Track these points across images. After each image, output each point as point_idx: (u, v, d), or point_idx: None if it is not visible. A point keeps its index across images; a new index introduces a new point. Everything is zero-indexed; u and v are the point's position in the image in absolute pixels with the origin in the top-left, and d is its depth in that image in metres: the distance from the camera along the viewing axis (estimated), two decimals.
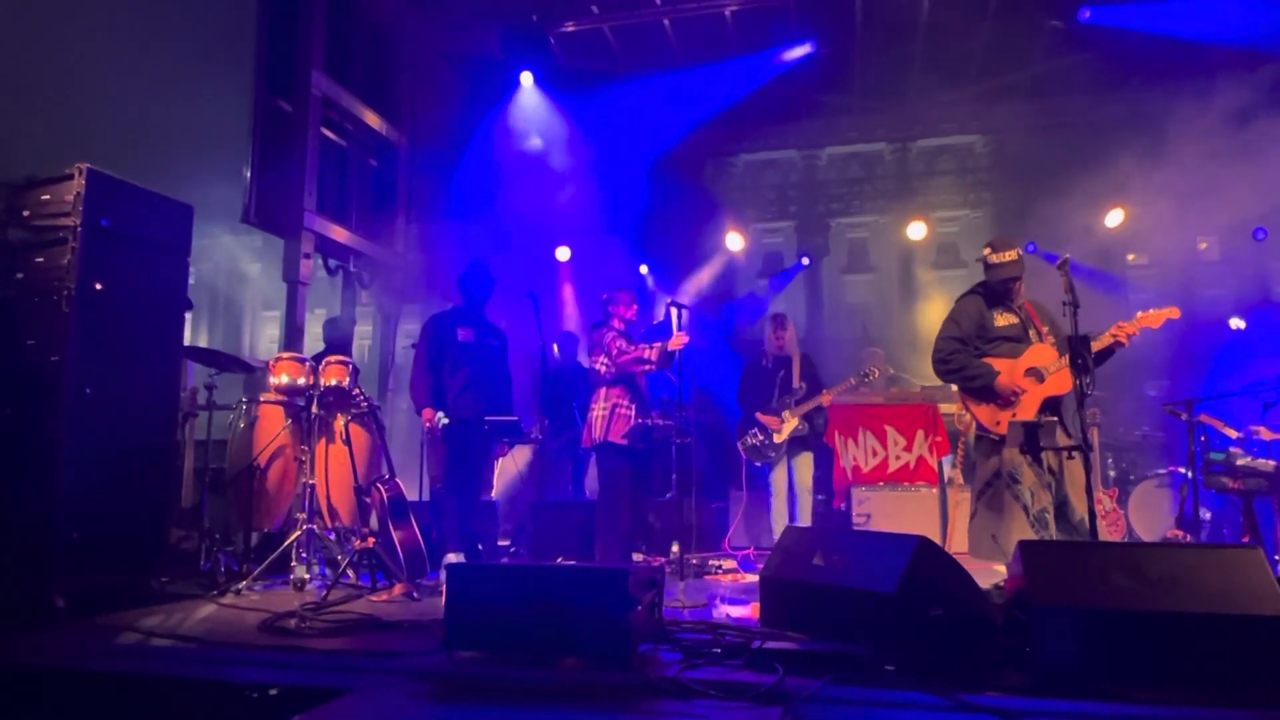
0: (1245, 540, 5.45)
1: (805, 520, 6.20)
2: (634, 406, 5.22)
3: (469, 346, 5.37)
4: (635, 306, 5.48)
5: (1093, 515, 3.64)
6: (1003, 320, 4.37)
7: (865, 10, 8.35)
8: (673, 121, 9.26)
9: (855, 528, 6.48)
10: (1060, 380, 4.16)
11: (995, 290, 4.42)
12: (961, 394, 4.48)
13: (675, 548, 5.36)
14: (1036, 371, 4.23)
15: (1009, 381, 4.25)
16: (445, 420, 5.08)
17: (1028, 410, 4.21)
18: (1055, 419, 4.12)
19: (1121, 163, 8.66)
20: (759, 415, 6.22)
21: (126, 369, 4.16)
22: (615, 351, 5.16)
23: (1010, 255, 4.34)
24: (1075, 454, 3.98)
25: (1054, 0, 8.03)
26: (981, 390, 4.33)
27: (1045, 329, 4.35)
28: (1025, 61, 9.27)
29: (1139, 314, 4.05)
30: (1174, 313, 4.04)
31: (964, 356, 4.38)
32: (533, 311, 5.12)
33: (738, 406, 6.37)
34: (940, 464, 6.75)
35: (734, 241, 10.31)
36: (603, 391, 5.23)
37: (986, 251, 4.43)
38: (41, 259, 3.99)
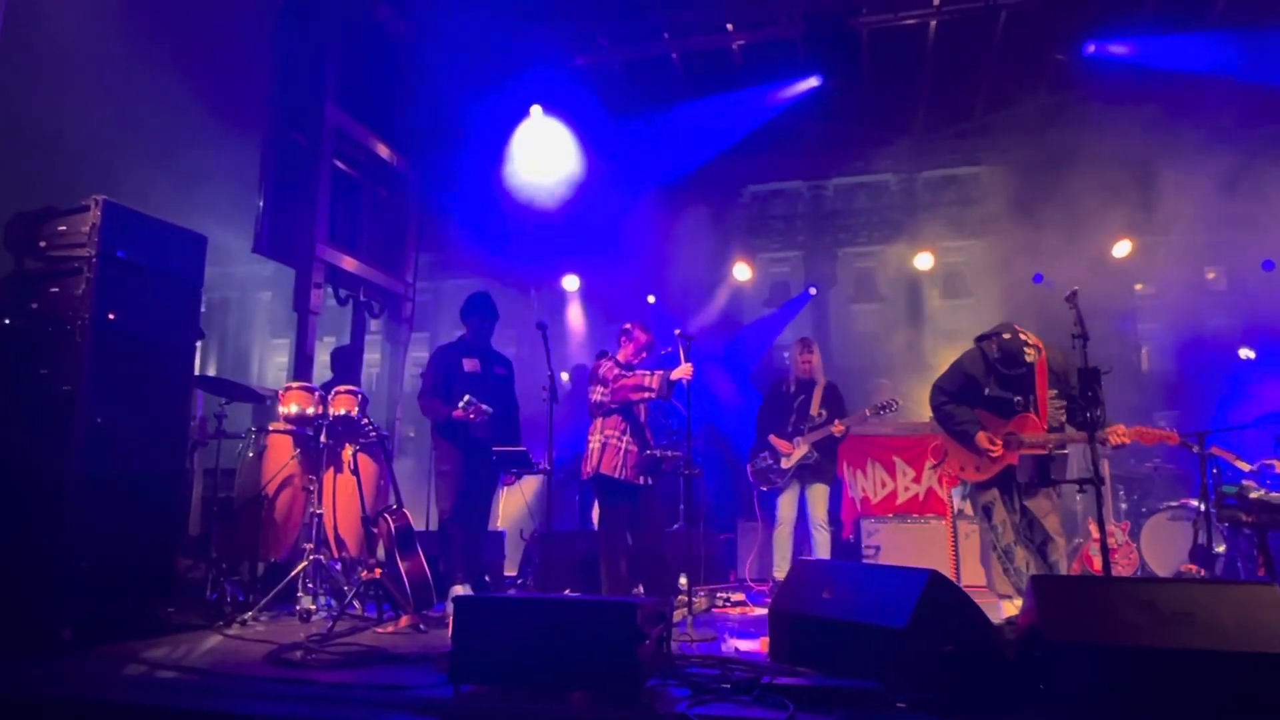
0: (1260, 574, 5.39)
1: (823, 554, 6.11)
2: (628, 439, 5.07)
3: (475, 377, 5.39)
4: (646, 342, 5.35)
5: (1105, 551, 3.62)
6: (993, 390, 4.53)
7: (871, 43, 8.44)
8: (680, 153, 9.34)
9: (864, 559, 6.43)
10: (1031, 449, 4.40)
11: (1001, 363, 4.49)
12: (944, 434, 4.69)
13: (683, 580, 5.32)
14: (1015, 439, 4.39)
15: (985, 441, 4.45)
16: (474, 401, 5.07)
17: (995, 468, 4.44)
18: (1067, 453, 4.17)
19: (1128, 194, 8.69)
20: (771, 438, 6.18)
21: (137, 398, 4.18)
22: (612, 378, 5.08)
23: (1029, 352, 4.41)
24: (1086, 488, 3.98)
25: (1058, 34, 8.10)
26: (964, 439, 4.53)
27: (1051, 393, 4.43)
28: (1030, 94, 9.34)
29: (1136, 428, 4.26)
30: (1171, 438, 4.36)
31: (952, 406, 4.60)
32: (542, 342, 5.13)
33: (753, 431, 6.33)
34: (950, 495, 6.70)
35: (742, 271, 10.36)
36: (598, 423, 5.15)
37: (1021, 331, 4.48)
38: (56, 289, 4.03)
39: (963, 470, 4.58)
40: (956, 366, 4.70)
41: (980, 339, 4.60)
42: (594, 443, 5.12)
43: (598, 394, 5.13)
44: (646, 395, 5.05)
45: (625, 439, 5.07)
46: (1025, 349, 4.36)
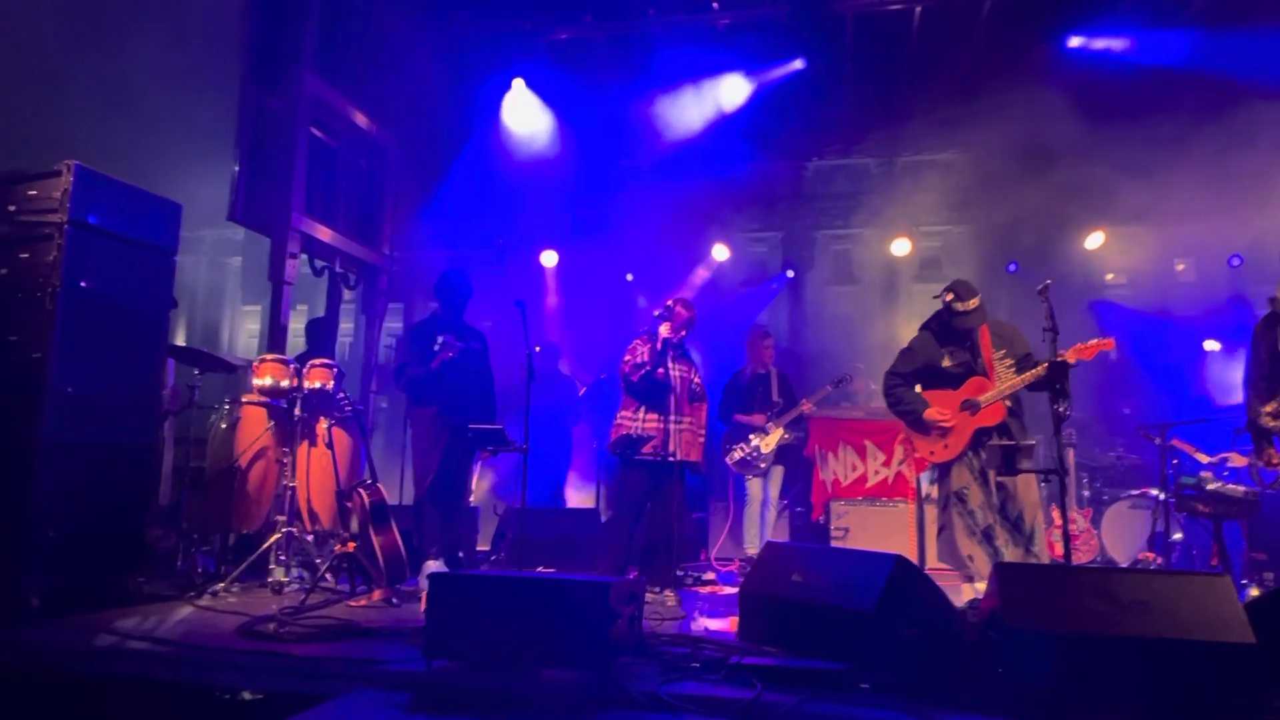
0: (1214, 563, 5.56)
1: (771, 533, 6.33)
2: (642, 419, 4.98)
3: (449, 347, 5.36)
4: (687, 318, 5.11)
5: (1067, 538, 3.70)
6: (950, 360, 4.58)
7: (855, 28, 8.44)
8: (662, 131, 9.29)
9: (833, 541, 6.55)
10: (992, 411, 4.42)
11: (954, 330, 4.54)
12: (905, 425, 4.72)
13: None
14: (971, 403, 4.44)
15: (935, 414, 4.51)
16: (448, 340, 5.04)
17: (960, 441, 4.46)
18: (1034, 442, 4.24)
19: (1103, 185, 8.80)
20: (741, 418, 6.35)
21: (109, 367, 4.14)
22: (623, 361, 5.08)
23: (973, 304, 4.50)
24: (1050, 477, 4.07)
25: (1042, 26, 8.16)
26: (916, 423, 4.60)
27: (997, 354, 4.48)
28: (1012, 83, 9.39)
29: (1074, 346, 4.17)
30: (1108, 344, 4.19)
31: (902, 390, 4.67)
32: (520, 319, 5.12)
33: (718, 421, 6.43)
34: (918, 480, 6.82)
35: (720, 251, 10.36)
36: (621, 403, 5.15)
37: (949, 297, 4.58)
38: (26, 255, 3.96)
39: (931, 455, 4.60)
40: (908, 350, 4.77)
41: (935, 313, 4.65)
42: (616, 422, 5.12)
43: (621, 376, 5.14)
44: (644, 371, 4.95)
45: (638, 419, 5.01)
46: (972, 299, 4.45)
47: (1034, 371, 4.24)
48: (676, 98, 9.07)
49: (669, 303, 5.15)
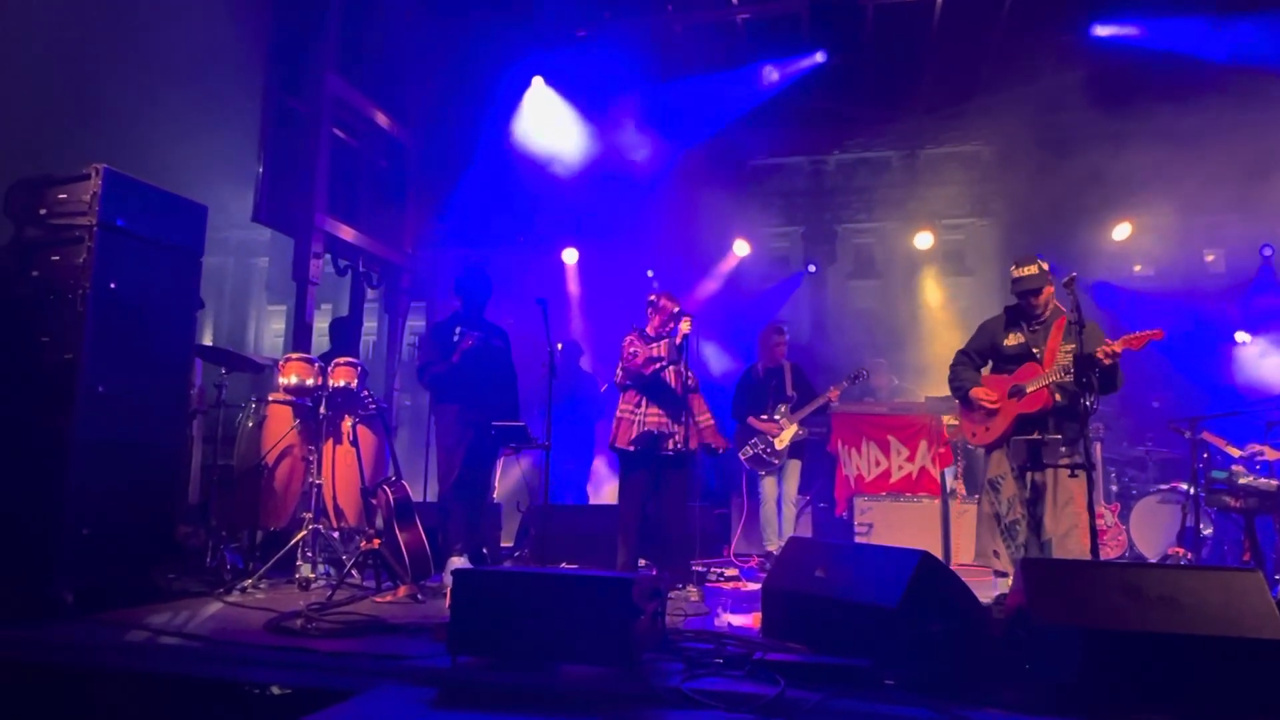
0: (1246, 559, 5.47)
1: (790, 529, 6.31)
2: (643, 412, 5.08)
3: (472, 351, 5.40)
4: (673, 312, 5.16)
5: (1094, 533, 3.66)
6: (1012, 340, 4.49)
7: (877, 20, 8.36)
8: (681, 127, 9.27)
9: (857, 537, 6.52)
10: (1035, 398, 4.29)
11: (1017, 305, 4.48)
12: (958, 404, 4.65)
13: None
14: (1019, 389, 4.35)
15: (980, 394, 4.43)
16: (465, 331, 5.10)
17: (1001, 425, 4.37)
18: (1058, 436, 4.16)
19: (1129, 176, 8.66)
20: (754, 423, 6.32)
21: (138, 367, 4.21)
22: (628, 356, 5.12)
23: (1028, 270, 4.39)
24: (1078, 473, 4.01)
25: (1065, 14, 8.04)
26: (965, 400, 4.53)
27: (1064, 346, 4.32)
28: (1035, 74, 9.28)
29: (1123, 336, 4.05)
30: (1158, 334, 4.04)
31: (960, 368, 4.59)
32: (542, 317, 5.15)
33: (730, 418, 6.43)
34: (943, 475, 6.77)
35: (741, 247, 10.34)
36: (621, 397, 5.20)
37: (1012, 267, 4.48)
38: (57, 258, 4.03)
39: (974, 436, 4.53)
40: (979, 328, 4.70)
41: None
42: (617, 415, 5.19)
43: (618, 372, 5.17)
44: (658, 366, 5.04)
45: (639, 412, 5.08)
46: (1027, 266, 4.36)
47: (1059, 378, 4.16)
48: (696, 93, 9.05)
49: (652, 297, 5.23)
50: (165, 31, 6.89)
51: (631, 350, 5.12)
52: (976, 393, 4.45)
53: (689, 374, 5.17)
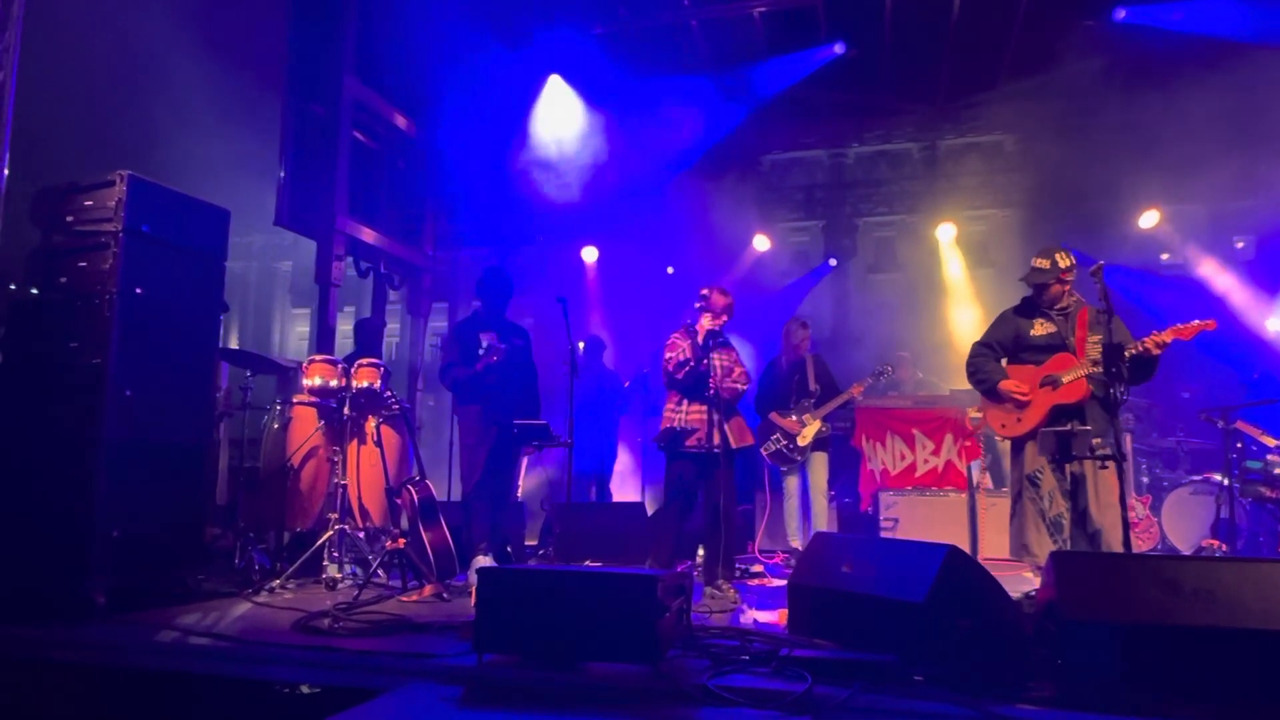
0: None
1: (821, 523, 6.24)
2: (684, 411, 5.00)
3: (494, 350, 5.41)
4: (726, 305, 5.00)
5: (1126, 526, 3.60)
6: (1041, 329, 4.40)
7: (895, 10, 8.29)
8: (700, 122, 9.25)
9: (883, 532, 6.46)
10: (1073, 389, 4.21)
11: (1033, 297, 4.42)
12: (981, 396, 4.52)
13: (700, 551, 5.37)
14: (1052, 379, 4.27)
15: (1010, 386, 4.34)
16: (493, 343, 5.08)
17: (1034, 416, 4.27)
18: (1089, 428, 4.09)
19: (1155, 162, 8.53)
20: (776, 419, 6.27)
21: (164, 371, 4.25)
22: (666, 359, 5.05)
23: (1042, 263, 4.36)
24: (1109, 464, 3.94)
25: (1087, 0, 7.92)
26: (990, 393, 4.43)
27: (1093, 337, 4.27)
28: (1057, 61, 9.15)
29: (1172, 326, 4.01)
30: (1210, 325, 4.00)
31: (981, 360, 4.50)
32: (562, 315, 5.14)
33: (754, 412, 6.38)
34: (969, 468, 6.70)
35: (761, 242, 10.30)
36: (667, 396, 5.14)
37: (1033, 258, 4.42)
38: (84, 263, 4.08)
39: (1004, 428, 4.42)
40: (999, 318, 4.60)
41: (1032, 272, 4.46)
42: (665, 414, 5.11)
43: (664, 370, 5.10)
44: (689, 367, 4.91)
45: (680, 412, 5.01)
46: (1043, 258, 4.32)
47: (1133, 347, 4.03)
48: (714, 88, 9.01)
49: (704, 291, 5.03)
50: (187, 38, 6.96)
51: (669, 353, 5.04)
52: (1007, 385, 4.37)
53: (739, 370, 5.11)
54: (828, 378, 6.42)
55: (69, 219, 4.15)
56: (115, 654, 3.32)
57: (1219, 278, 9.21)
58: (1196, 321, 3.99)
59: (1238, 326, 8.56)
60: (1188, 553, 6.26)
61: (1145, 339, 4.01)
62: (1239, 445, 5.95)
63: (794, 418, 6.25)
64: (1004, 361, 4.54)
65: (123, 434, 4.00)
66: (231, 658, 3.28)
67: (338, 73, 7.03)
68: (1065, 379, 4.23)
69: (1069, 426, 4.10)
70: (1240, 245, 10.91)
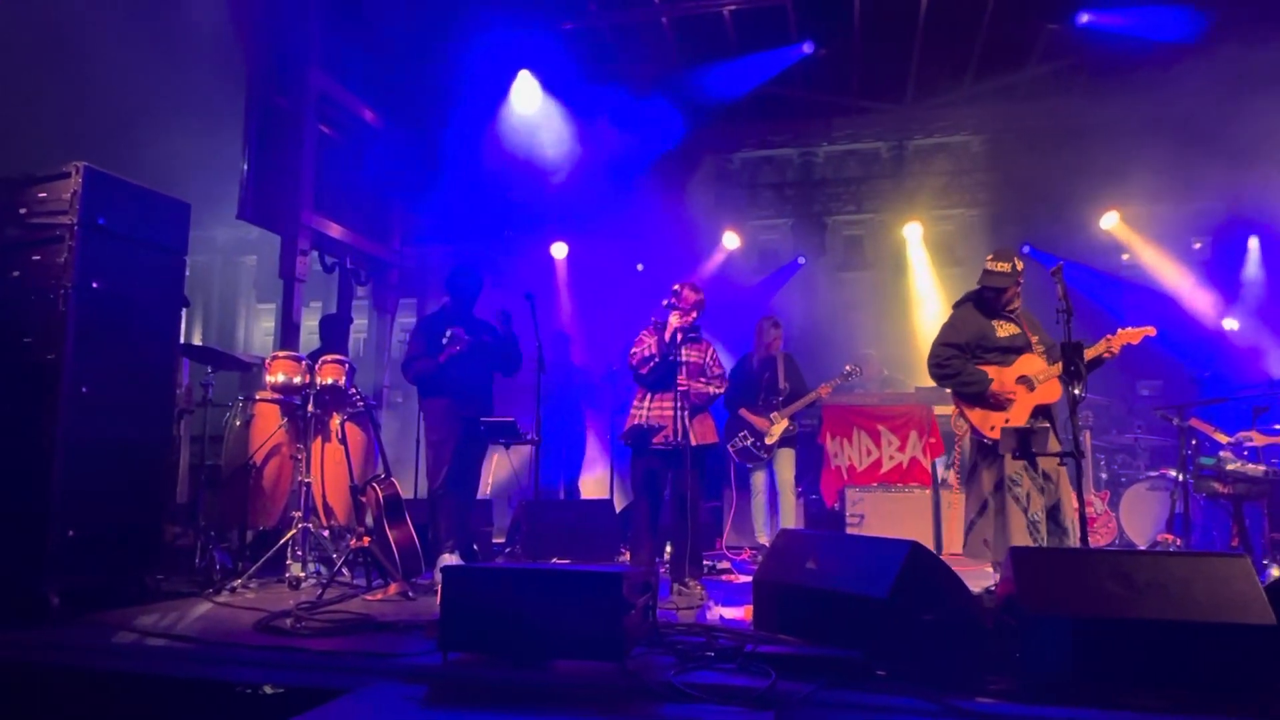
0: (1234, 544, 5.50)
1: (789, 518, 6.31)
2: (647, 407, 4.98)
3: (456, 340, 5.36)
4: (697, 300, 4.98)
5: (1084, 521, 3.67)
6: (1004, 330, 4.48)
7: (863, 10, 8.35)
8: (670, 119, 9.24)
9: (849, 528, 6.53)
10: (1049, 389, 4.33)
11: (986, 298, 4.49)
12: (955, 399, 4.55)
13: (669, 548, 5.38)
14: (1027, 380, 4.37)
15: (1001, 388, 4.38)
16: (456, 334, 5.04)
17: (1019, 416, 4.33)
18: (1048, 425, 4.19)
19: (1117, 164, 8.69)
20: (746, 414, 6.32)
21: (123, 367, 4.17)
22: (631, 354, 5.03)
23: (1003, 266, 4.44)
24: (1066, 461, 4.02)
25: (1052, 3, 8.05)
26: (975, 396, 4.44)
27: (1035, 338, 4.47)
28: (1022, 63, 9.30)
29: (1119, 330, 4.22)
30: (1150, 331, 4.23)
31: (960, 362, 4.49)
32: (529, 312, 5.12)
33: (724, 407, 6.40)
34: (934, 465, 6.79)
35: (731, 239, 10.33)
36: (635, 392, 5.14)
37: (988, 259, 4.50)
38: (38, 257, 3.99)
39: (991, 430, 4.36)
40: (954, 323, 4.57)
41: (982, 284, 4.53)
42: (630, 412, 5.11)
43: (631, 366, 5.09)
44: (654, 363, 4.89)
45: (644, 408, 5.00)
46: (1003, 262, 4.45)
47: (1088, 351, 4.12)
48: (684, 85, 9.02)
49: (675, 287, 5.01)
50: (148, 28, 6.82)
51: (635, 349, 5.03)
52: (996, 388, 4.35)
53: (714, 366, 5.10)
54: (797, 377, 6.48)
55: (22, 211, 4.05)
56: (70, 655, 3.25)
57: (1177, 278, 9.40)
58: (1139, 328, 4.23)
59: (1195, 326, 8.75)
60: (1144, 547, 6.40)
61: (1100, 344, 4.19)
62: (1194, 442, 6.09)
63: (763, 415, 6.31)
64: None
65: (79, 431, 3.92)
66: (191, 658, 3.24)
67: (303, 65, 6.94)
68: (1040, 379, 4.33)
69: (1029, 424, 4.18)
70: (1198, 246, 11.15)
